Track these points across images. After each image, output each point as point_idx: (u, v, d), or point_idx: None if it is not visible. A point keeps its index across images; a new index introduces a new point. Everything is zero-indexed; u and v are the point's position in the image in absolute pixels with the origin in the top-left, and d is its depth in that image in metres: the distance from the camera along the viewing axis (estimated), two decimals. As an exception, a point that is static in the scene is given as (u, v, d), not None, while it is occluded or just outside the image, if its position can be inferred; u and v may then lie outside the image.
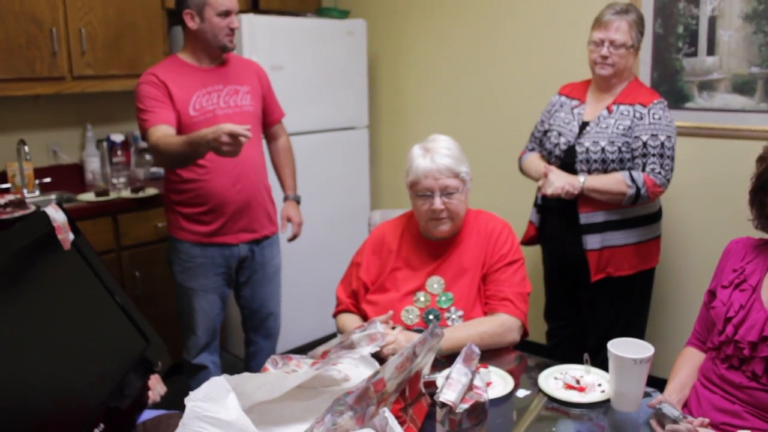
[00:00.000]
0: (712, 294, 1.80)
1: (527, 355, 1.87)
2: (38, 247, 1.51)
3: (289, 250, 3.38)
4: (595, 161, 2.44)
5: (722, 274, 1.79)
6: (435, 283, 1.95)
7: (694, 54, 2.82)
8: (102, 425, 1.44)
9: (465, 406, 1.29)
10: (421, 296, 1.94)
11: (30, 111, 3.35)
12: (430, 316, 1.91)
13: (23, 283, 1.42)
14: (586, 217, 2.48)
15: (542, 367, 1.73)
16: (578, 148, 2.47)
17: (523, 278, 1.96)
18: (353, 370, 1.45)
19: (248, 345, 2.93)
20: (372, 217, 2.50)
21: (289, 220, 2.82)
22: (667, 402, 1.55)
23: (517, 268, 1.96)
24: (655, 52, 2.91)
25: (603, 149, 2.42)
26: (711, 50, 2.78)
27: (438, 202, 1.89)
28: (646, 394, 1.59)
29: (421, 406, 1.45)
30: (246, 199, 2.58)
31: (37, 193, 3.28)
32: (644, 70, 2.95)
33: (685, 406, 1.76)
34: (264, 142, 2.83)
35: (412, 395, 1.41)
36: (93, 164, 3.49)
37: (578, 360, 1.75)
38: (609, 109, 2.47)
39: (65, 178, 3.43)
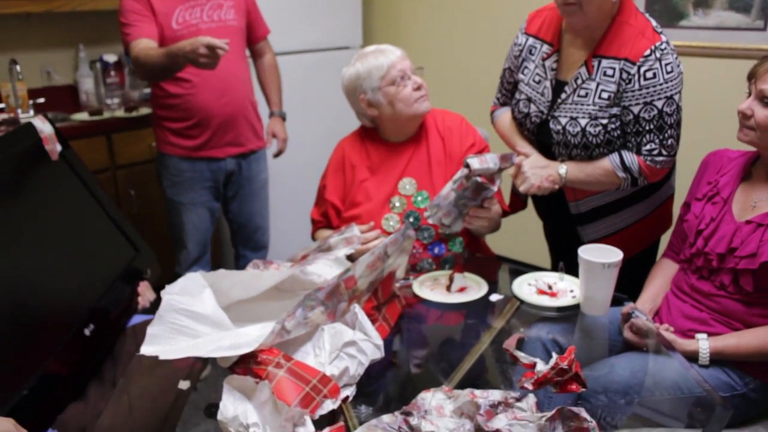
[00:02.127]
0: (687, 206, 1.83)
1: (503, 263, 1.92)
2: (26, 158, 1.54)
3: (280, 169, 3.41)
4: (575, 146, 1.89)
5: (698, 187, 1.81)
6: (407, 185, 1.99)
7: (691, -31, 2.76)
8: (92, 326, 1.51)
9: (478, 179, 1.67)
10: (396, 201, 1.98)
11: (21, 30, 3.32)
12: (411, 218, 1.95)
13: (12, 192, 1.46)
14: (576, 206, 2.01)
15: (518, 273, 1.78)
16: (553, 126, 1.91)
17: None
18: (327, 270, 1.50)
19: (238, 259, 3.02)
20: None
21: (274, 135, 2.86)
22: (637, 309, 1.60)
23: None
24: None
25: (584, 131, 1.86)
26: (708, -35, 2.72)
27: (419, 79, 1.99)
28: (618, 301, 1.64)
29: (395, 306, 1.51)
30: (232, 112, 2.61)
31: (32, 113, 3.28)
32: (639, -11, 2.89)
33: (657, 314, 1.81)
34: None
35: (385, 295, 1.46)
36: (86, 85, 3.48)
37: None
38: (589, 66, 1.84)
39: (59, 99, 3.43)
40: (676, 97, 1.81)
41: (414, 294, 1.65)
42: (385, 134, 2.06)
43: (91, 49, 3.52)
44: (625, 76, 1.79)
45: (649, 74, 1.78)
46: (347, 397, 1.21)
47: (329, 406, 1.16)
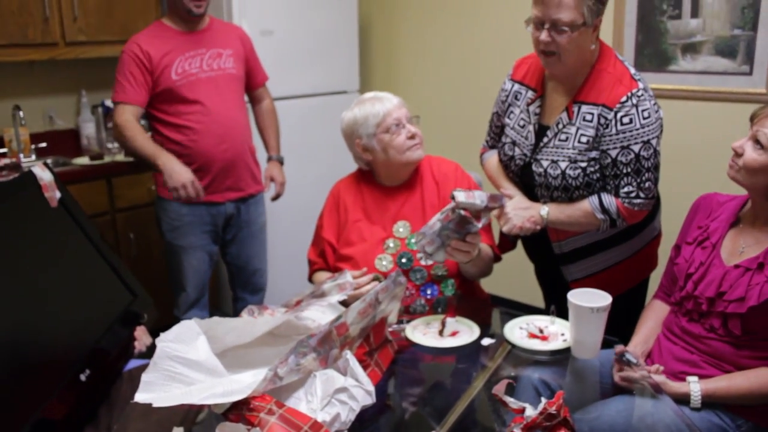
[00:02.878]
0: (677, 249, 1.85)
1: (496, 307, 1.94)
2: (26, 205, 1.57)
3: (277, 212, 3.43)
4: (556, 188, 1.93)
5: (688, 230, 1.84)
6: (401, 227, 2.03)
7: (678, 16, 2.83)
8: (88, 370, 1.52)
9: (461, 212, 1.67)
10: (391, 243, 2.01)
11: (25, 77, 3.40)
12: (403, 260, 1.99)
13: (11, 238, 1.48)
14: (559, 247, 2.04)
15: (510, 316, 1.80)
16: (535, 168, 1.95)
17: None
18: (320, 316, 1.52)
19: (236, 302, 3.04)
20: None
21: (272, 179, 2.91)
22: (628, 351, 1.62)
23: None
24: (640, 13, 2.92)
25: (563, 174, 1.90)
26: (695, 12, 2.79)
27: (413, 128, 2.03)
28: (609, 344, 1.65)
29: (387, 352, 1.53)
30: (231, 158, 2.68)
31: (33, 157, 3.34)
32: (629, 33, 2.96)
33: (649, 356, 1.82)
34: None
35: (377, 341, 1.48)
36: (88, 129, 3.55)
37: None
38: (569, 112, 1.89)
39: (61, 143, 3.49)
40: (654, 142, 1.85)
41: (407, 338, 1.67)
42: (379, 178, 2.11)
43: (92, 95, 3.59)
44: (603, 121, 1.84)
45: (626, 119, 1.82)
46: (339, 444, 1.23)
47: (321, 452, 1.17)
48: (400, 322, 1.58)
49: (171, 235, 2.72)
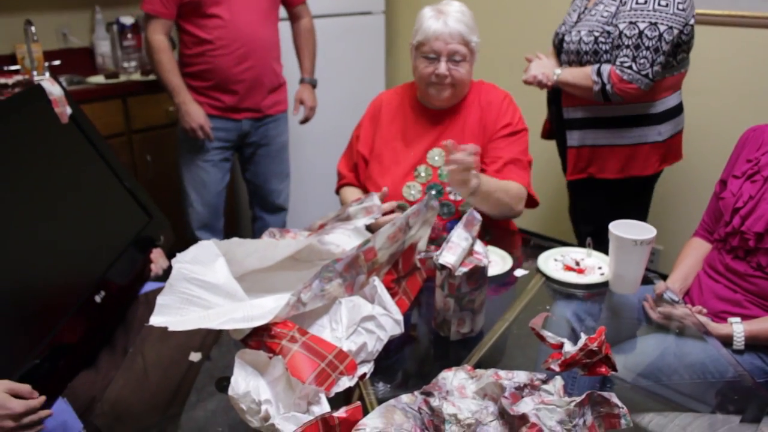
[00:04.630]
0: (723, 183, 1.75)
1: (530, 236, 1.85)
2: (35, 120, 1.50)
3: (301, 134, 3.35)
4: (571, 52, 2.22)
5: (736, 164, 1.73)
6: (437, 155, 1.92)
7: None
8: (103, 293, 1.47)
9: (464, 269, 1.28)
10: (422, 170, 1.91)
11: (37, -10, 3.27)
12: (433, 191, 1.89)
13: (20, 155, 1.41)
14: (567, 112, 2.29)
15: (543, 249, 1.71)
16: (566, 39, 2.25)
17: (524, 148, 1.93)
18: (345, 240, 1.44)
19: (254, 221, 3.02)
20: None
21: (301, 102, 2.82)
22: (670, 289, 1.53)
23: (518, 138, 1.92)
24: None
25: (580, 39, 2.18)
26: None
27: (443, 67, 1.84)
28: (648, 280, 1.57)
29: (416, 279, 1.45)
30: (253, 77, 2.60)
31: (47, 75, 3.24)
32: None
33: (687, 294, 1.74)
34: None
35: (406, 268, 1.40)
36: (103, 47, 3.42)
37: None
38: None
39: (75, 62, 3.37)
40: (662, 27, 2.04)
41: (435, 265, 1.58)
42: (420, 95, 1.99)
43: (107, 11, 3.46)
44: (623, 0, 2.10)
45: (641, 0, 2.05)
46: (364, 374, 1.16)
47: (345, 383, 1.10)
48: (428, 251, 1.49)
49: (186, 148, 2.70)
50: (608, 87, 2.10)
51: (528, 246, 1.83)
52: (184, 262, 1.19)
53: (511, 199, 1.83)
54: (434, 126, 1.94)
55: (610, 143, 2.25)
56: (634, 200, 2.38)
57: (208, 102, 2.60)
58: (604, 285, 1.55)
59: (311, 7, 3.14)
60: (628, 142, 2.24)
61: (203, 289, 1.18)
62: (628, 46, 2.06)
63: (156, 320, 1.13)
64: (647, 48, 2.04)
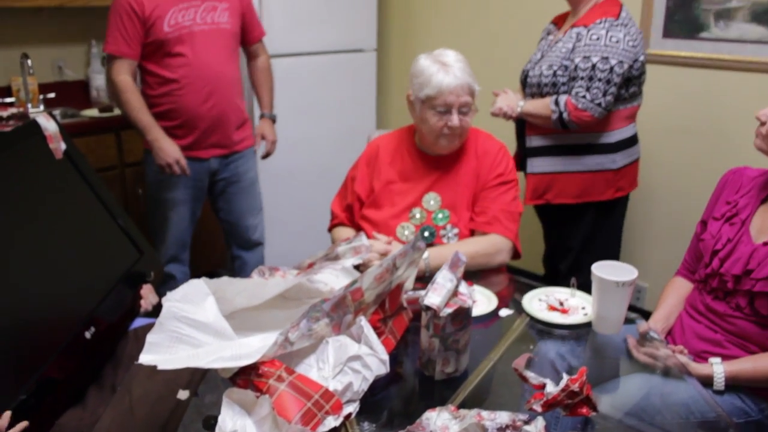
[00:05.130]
0: (703, 225, 1.79)
1: (515, 277, 1.88)
2: (29, 156, 1.52)
3: (290, 169, 3.38)
4: (534, 85, 2.43)
5: (716, 205, 1.77)
6: (431, 200, 1.95)
7: (713, -20, 2.71)
8: (93, 328, 1.48)
9: (449, 310, 1.31)
10: (417, 213, 1.95)
11: (33, 24, 3.31)
12: (426, 233, 1.93)
13: (14, 190, 1.43)
14: (529, 141, 2.48)
15: (528, 288, 1.74)
16: (530, 73, 2.48)
17: (514, 198, 1.97)
18: (334, 280, 1.47)
19: (233, 260, 3.04)
20: (371, 137, 2.49)
21: (263, 137, 2.87)
22: (653, 329, 1.56)
23: (509, 188, 1.96)
24: (672, -22, 2.81)
25: (541, 73, 2.39)
26: (731, -23, 2.67)
27: (456, 120, 1.88)
28: (630, 320, 1.60)
29: (402, 319, 1.47)
30: (218, 115, 2.64)
31: (42, 108, 3.28)
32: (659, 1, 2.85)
33: (669, 334, 1.77)
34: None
35: (393, 308, 1.42)
36: (98, 81, 3.47)
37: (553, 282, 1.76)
38: (565, 33, 2.40)
39: (70, 95, 3.42)
40: (612, 61, 2.26)
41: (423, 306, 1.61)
42: (419, 141, 2.02)
43: (103, 45, 3.51)
44: (579, 36, 2.32)
45: (595, 37, 2.28)
46: (350, 414, 1.18)
47: (331, 423, 1.12)
48: (415, 290, 1.52)
49: (155, 188, 2.71)
50: (565, 115, 2.30)
51: (513, 285, 1.85)
52: (174, 300, 1.21)
53: (486, 258, 1.88)
54: (431, 171, 1.98)
55: (567, 170, 2.44)
56: (599, 225, 2.52)
57: (176, 143, 2.61)
58: (588, 325, 1.58)
59: (305, 45, 3.20)
60: (584, 169, 2.43)
61: (193, 327, 1.20)
62: (582, 78, 2.28)
63: (145, 358, 1.15)
64: (599, 79, 2.26)
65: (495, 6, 3.47)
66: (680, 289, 1.83)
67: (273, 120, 2.92)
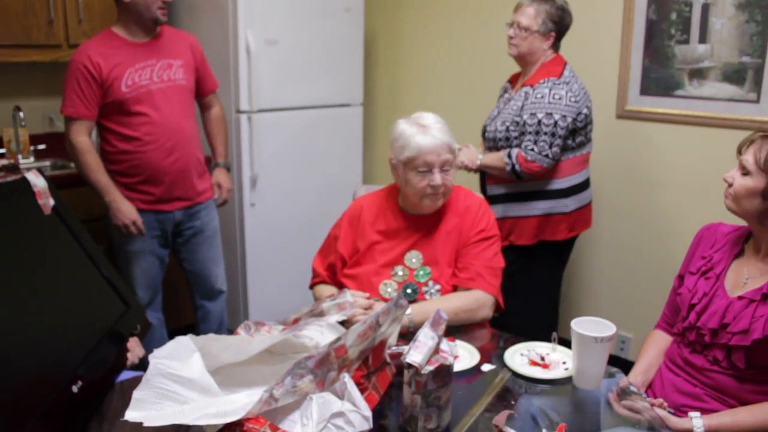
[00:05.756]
0: (681, 279, 1.83)
1: (497, 332, 1.91)
2: (18, 211, 1.54)
3: (278, 222, 3.41)
4: (490, 139, 2.70)
5: (691, 260, 1.82)
6: (413, 258, 1.99)
7: (686, 41, 2.82)
8: (80, 382, 1.48)
9: (430, 368, 1.33)
10: (399, 270, 1.98)
11: (26, 78, 3.38)
12: (408, 290, 1.96)
13: (2, 245, 1.45)
14: (490, 189, 2.72)
15: (510, 343, 1.77)
16: (488, 128, 2.74)
17: (495, 254, 2.00)
18: (319, 336, 1.49)
19: (196, 310, 3.06)
20: (357, 192, 2.53)
21: (219, 186, 2.93)
22: (633, 385, 1.59)
23: (490, 243, 1.99)
24: (647, 38, 2.92)
25: (496, 129, 2.65)
26: (703, 38, 2.78)
27: (438, 178, 1.91)
28: (610, 375, 1.62)
29: (386, 375, 1.49)
30: (180, 168, 2.70)
31: (32, 159, 3.32)
32: (636, 56, 2.95)
33: (650, 387, 1.79)
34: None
35: (376, 364, 1.44)
36: (88, 133, 3.51)
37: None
38: (517, 92, 2.65)
39: (60, 145, 3.43)
40: (556, 116, 2.50)
41: (406, 363, 1.63)
42: (402, 202, 2.07)
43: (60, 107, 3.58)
44: (526, 95, 2.56)
45: (539, 95, 2.53)
46: (333, 471, 1.19)
47: (315, 480, 1.13)
48: (398, 345, 1.54)
49: (120, 241, 2.74)
50: (517, 166, 2.54)
51: (495, 340, 1.88)
52: (161, 357, 1.23)
53: (469, 313, 1.91)
54: (413, 230, 2.01)
55: (524, 214, 2.67)
56: (550, 261, 2.80)
57: (139, 197, 2.67)
58: (569, 380, 1.60)
59: (295, 100, 3.27)
60: (539, 213, 2.66)
61: (179, 384, 1.21)
62: (530, 132, 2.52)
63: (131, 415, 1.16)
64: (545, 133, 2.50)
65: (481, 63, 3.57)
66: (659, 342, 1.86)
67: (228, 168, 3.00)
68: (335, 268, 2.06)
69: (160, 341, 2.84)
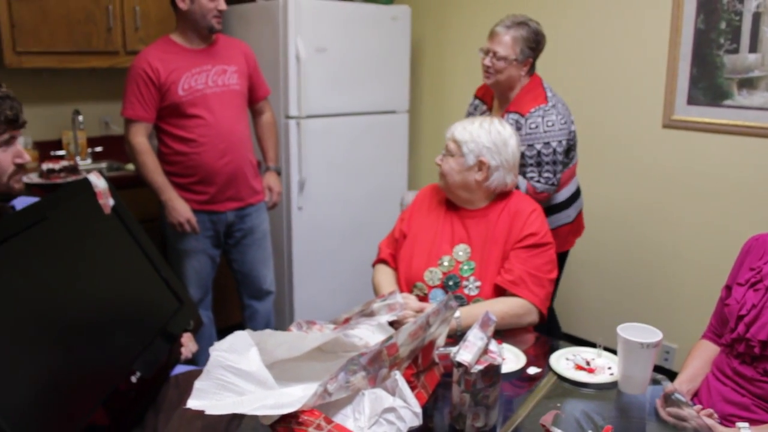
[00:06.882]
0: (728, 289, 1.82)
1: (543, 336, 1.93)
2: (80, 211, 1.62)
3: (323, 228, 3.48)
4: None
5: (740, 271, 1.81)
6: (461, 251, 2.04)
7: (736, 51, 2.80)
8: (138, 374, 1.56)
9: (480, 367, 1.38)
10: (446, 260, 2.03)
11: (85, 83, 3.51)
12: (450, 282, 2.01)
13: (66, 243, 1.53)
14: None
15: (556, 347, 1.79)
16: None
17: (546, 263, 2.01)
18: (369, 335, 1.54)
19: (244, 309, 3.14)
20: (405, 197, 2.58)
21: (270, 189, 3.01)
22: (678, 391, 1.59)
23: (541, 251, 2.00)
24: (695, 48, 2.90)
25: None
26: (753, 47, 2.75)
27: (438, 158, 2.10)
28: (656, 381, 1.63)
29: (434, 374, 1.53)
30: (233, 170, 2.79)
31: (89, 161, 3.45)
32: (683, 66, 2.94)
33: (696, 396, 1.79)
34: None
35: (425, 363, 1.48)
36: (142, 136, 3.63)
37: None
38: (503, 116, 2.54)
39: (116, 148, 3.58)
40: (554, 144, 2.48)
41: (455, 362, 1.67)
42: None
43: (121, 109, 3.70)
44: (518, 124, 2.49)
45: (533, 125, 2.48)
46: (384, 464, 1.23)
47: (367, 471, 1.18)
48: (446, 346, 1.58)
49: (174, 240, 2.84)
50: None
51: (540, 344, 1.90)
52: (221, 350, 1.29)
53: (515, 318, 1.94)
54: (464, 224, 2.08)
55: None
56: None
57: (193, 197, 2.77)
58: (614, 385, 1.62)
59: (343, 107, 3.33)
60: (551, 228, 2.58)
61: (237, 376, 1.27)
62: (531, 165, 2.50)
63: (193, 403, 1.22)
64: (547, 163, 2.49)
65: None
66: (706, 351, 1.85)
67: (278, 172, 3.08)
68: (398, 244, 2.17)
69: (209, 339, 2.94)
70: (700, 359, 1.84)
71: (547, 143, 2.47)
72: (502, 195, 2.09)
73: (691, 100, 2.97)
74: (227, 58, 2.79)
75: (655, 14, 3.02)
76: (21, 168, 1.66)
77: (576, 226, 2.79)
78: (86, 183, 1.66)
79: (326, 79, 3.37)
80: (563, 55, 3.37)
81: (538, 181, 2.50)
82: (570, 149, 2.61)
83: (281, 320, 3.52)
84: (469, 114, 2.80)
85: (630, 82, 3.17)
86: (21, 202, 1.70)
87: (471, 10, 3.79)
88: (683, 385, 1.78)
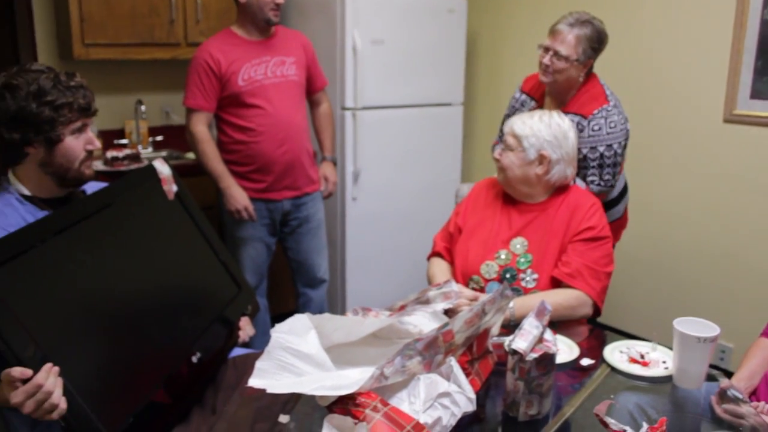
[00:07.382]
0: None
1: (597, 328, 1.92)
2: (146, 196, 1.69)
3: (377, 218, 3.51)
4: None
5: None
6: (518, 244, 2.04)
7: (804, 44, 2.72)
8: (199, 354, 1.62)
9: (534, 355, 1.39)
10: (503, 254, 2.04)
11: (147, 74, 3.63)
12: (507, 275, 2.01)
13: (133, 227, 1.60)
14: None
15: (610, 340, 1.78)
16: None
17: (603, 256, 2.00)
18: (424, 322, 1.56)
19: (298, 297, 3.21)
20: (460, 190, 2.60)
21: (325, 179, 3.06)
22: (735, 387, 1.57)
23: (599, 245, 1.99)
24: (761, 40, 2.83)
25: None
26: (822, 41, 2.68)
27: (497, 152, 2.08)
28: (712, 378, 1.62)
29: (488, 362, 1.55)
30: (290, 159, 2.85)
31: (150, 149, 3.56)
32: (747, 59, 2.87)
33: (754, 394, 1.77)
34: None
35: (479, 351, 1.50)
36: (201, 126, 3.73)
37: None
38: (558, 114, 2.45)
39: (175, 138, 3.69)
40: (615, 146, 2.45)
41: (507, 351, 1.68)
42: None
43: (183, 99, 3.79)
44: (580, 126, 2.43)
45: (596, 127, 2.44)
46: (438, 447, 1.26)
47: (421, 453, 1.20)
48: (500, 335, 1.60)
49: (231, 227, 2.92)
50: None
51: (594, 336, 1.90)
52: (281, 332, 1.33)
53: (570, 310, 1.94)
54: (522, 217, 2.08)
55: None
56: None
57: (251, 186, 2.83)
58: (668, 379, 1.61)
59: (398, 98, 3.36)
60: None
61: (296, 357, 1.32)
62: (593, 167, 2.48)
63: (254, 382, 1.27)
64: (608, 165, 2.47)
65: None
66: (765, 350, 1.82)
67: (334, 162, 3.12)
68: (453, 238, 2.18)
69: (263, 325, 3.01)
70: (758, 357, 1.81)
71: (610, 145, 2.44)
72: (560, 189, 2.08)
73: (755, 94, 2.90)
74: (286, 49, 2.84)
75: (719, 6, 2.96)
76: (90, 154, 1.73)
77: (623, 221, 2.78)
78: (151, 169, 1.73)
79: (382, 71, 3.40)
80: (621, 47, 3.32)
81: (598, 184, 2.49)
82: (625, 147, 2.57)
83: (334, 309, 3.57)
84: (514, 109, 2.72)
85: (689, 75, 3.11)
86: (91, 187, 1.78)
87: (529, 3, 3.77)
88: (741, 382, 1.76)
